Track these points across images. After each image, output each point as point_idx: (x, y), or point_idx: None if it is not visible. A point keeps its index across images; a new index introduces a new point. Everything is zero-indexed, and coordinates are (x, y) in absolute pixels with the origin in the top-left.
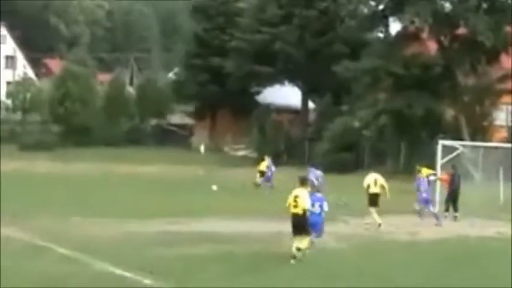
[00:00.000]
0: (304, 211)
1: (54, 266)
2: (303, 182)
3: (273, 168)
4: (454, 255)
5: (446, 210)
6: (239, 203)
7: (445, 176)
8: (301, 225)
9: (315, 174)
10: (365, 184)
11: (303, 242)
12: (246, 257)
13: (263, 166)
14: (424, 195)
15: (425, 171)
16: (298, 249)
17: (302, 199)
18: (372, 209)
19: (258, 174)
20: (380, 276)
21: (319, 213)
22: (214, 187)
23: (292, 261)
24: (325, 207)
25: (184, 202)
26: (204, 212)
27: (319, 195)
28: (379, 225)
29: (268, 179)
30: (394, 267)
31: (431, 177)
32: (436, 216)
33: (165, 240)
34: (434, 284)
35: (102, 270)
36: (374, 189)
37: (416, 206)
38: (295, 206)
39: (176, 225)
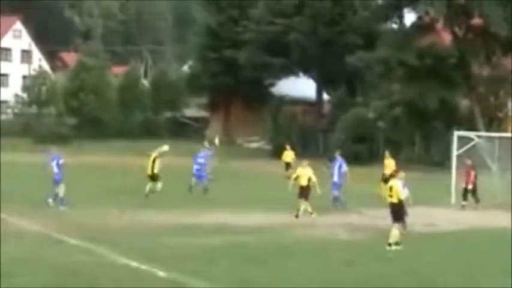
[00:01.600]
0: (400, 200)
1: (69, 257)
2: (396, 172)
3: (209, 152)
4: (470, 246)
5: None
6: (253, 194)
7: (471, 174)
8: (399, 212)
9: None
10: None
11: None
12: (259, 247)
13: (289, 157)
14: (336, 179)
15: (390, 162)
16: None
17: (396, 189)
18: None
19: (285, 166)
20: (397, 263)
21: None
22: None
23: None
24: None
25: (199, 194)
26: (218, 204)
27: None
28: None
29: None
30: (412, 255)
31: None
32: (335, 199)
33: (179, 231)
34: (454, 272)
35: (116, 262)
36: (303, 182)
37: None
38: (391, 196)
39: (190, 216)
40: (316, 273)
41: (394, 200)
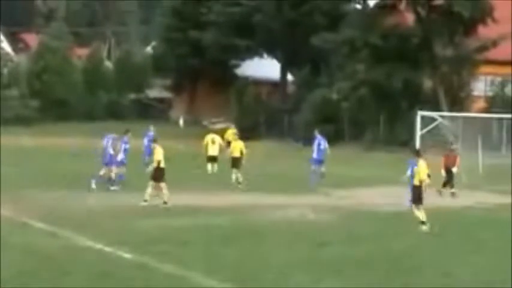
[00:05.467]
0: (421, 181)
1: (36, 240)
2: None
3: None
4: (436, 224)
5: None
6: (221, 176)
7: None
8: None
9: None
10: (158, 158)
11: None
12: (230, 229)
13: (231, 136)
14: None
15: (237, 144)
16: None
17: (419, 170)
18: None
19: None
20: (367, 243)
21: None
22: None
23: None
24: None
25: (169, 176)
26: (187, 186)
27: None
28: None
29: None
30: (379, 234)
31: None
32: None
33: (149, 213)
34: (422, 248)
35: (82, 245)
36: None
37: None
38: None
39: (157, 198)
40: (290, 255)
41: (416, 182)
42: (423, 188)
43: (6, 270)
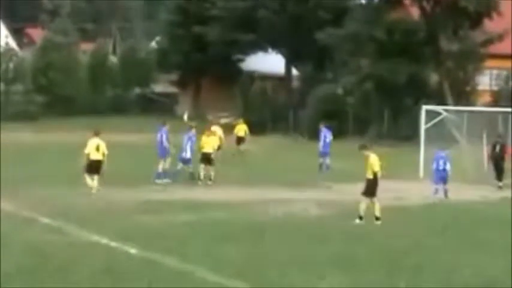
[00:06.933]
0: (375, 174)
1: (40, 236)
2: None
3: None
4: (440, 219)
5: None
6: (222, 171)
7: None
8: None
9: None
10: (86, 151)
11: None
12: (232, 225)
13: (242, 131)
14: (184, 154)
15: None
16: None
17: (371, 163)
18: (91, 176)
19: (236, 140)
20: (369, 239)
21: (443, 169)
22: None
23: (357, 220)
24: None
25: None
26: (187, 181)
27: (442, 153)
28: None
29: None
30: (381, 231)
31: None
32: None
33: (150, 208)
34: (424, 245)
35: (88, 241)
36: (96, 156)
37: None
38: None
39: (161, 193)
40: (290, 250)
41: (369, 175)
42: (377, 181)
43: (9, 265)
